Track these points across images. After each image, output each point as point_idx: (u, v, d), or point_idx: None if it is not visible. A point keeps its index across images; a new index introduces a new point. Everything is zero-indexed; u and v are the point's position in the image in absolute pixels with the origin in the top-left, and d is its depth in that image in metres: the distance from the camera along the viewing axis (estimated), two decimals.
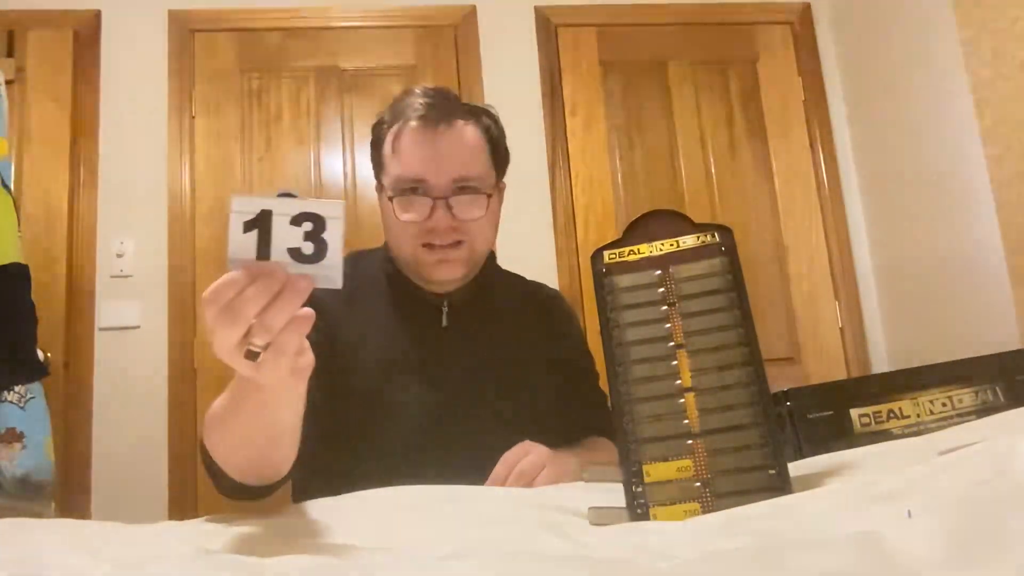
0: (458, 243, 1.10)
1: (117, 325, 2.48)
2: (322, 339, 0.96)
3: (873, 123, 2.80)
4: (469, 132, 1.12)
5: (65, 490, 2.25)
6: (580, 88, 2.85)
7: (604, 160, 2.81)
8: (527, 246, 2.70)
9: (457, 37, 2.83)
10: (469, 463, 0.96)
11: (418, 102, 1.11)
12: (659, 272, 0.78)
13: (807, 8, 3.00)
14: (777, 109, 2.92)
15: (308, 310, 0.63)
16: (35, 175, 2.53)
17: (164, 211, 2.57)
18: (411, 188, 1.09)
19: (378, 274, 1.19)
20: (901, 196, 2.66)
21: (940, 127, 2.44)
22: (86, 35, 2.65)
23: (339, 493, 0.85)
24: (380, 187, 1.16)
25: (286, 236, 0.62)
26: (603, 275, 0.79)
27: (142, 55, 2.68)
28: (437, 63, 2.81)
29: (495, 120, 1.17)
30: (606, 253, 0.80)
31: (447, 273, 1.12)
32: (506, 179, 1.21)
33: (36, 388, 1.91)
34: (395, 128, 1.11)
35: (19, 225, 2.00)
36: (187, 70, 2.69)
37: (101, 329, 2.48)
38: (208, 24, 2.74)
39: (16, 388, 1.85)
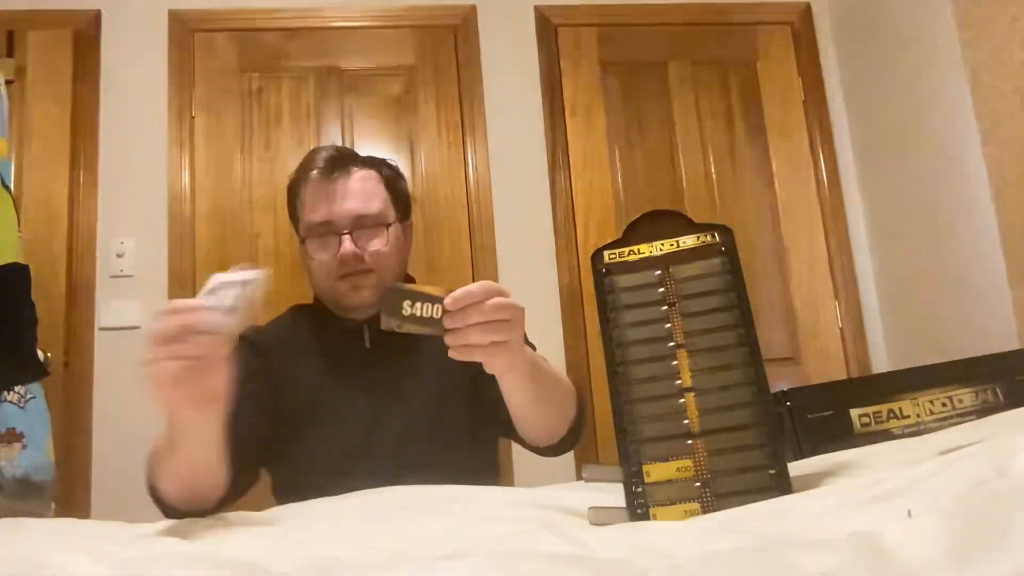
0: (368, 271, 1.22)
1: (117, 325, 2.48)
2: (262, 376, 1.19)
3: (873, 123, 2.80)
4: (363, 175, 1.26)
5: (65, 490, 2.25)
6: (580, 88, 2.85)
7: (604, 160, 2.81)
8: (527, 246, 2.70)
9: (457, 37, 2.83)
10: (395, 471, 1.05)
11: (319, 157, 1.26)
12: (659, 272, 0.78)
13: (807, 8, 3.00)
14: (777, 109, 2.92)
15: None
16: (35, 175, 2.53)
17: (164, 211, 2.57)
18: (320, 232, 1.23)
19: (310, 317, 1.32)
20: (901, 196, 2.66)
21: (940, 127, 2.44)
22: (86, 35, 2.65)
23: (289, 503, 0.94)
24: (300, 239, 1.28)
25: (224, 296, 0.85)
26: (603, 275, 0.79)
27: (142, 55, 2.68)
28: (437, 63, 2.81)
29: (393, 168, 1.33)
30: (606, 253, 0.80)
31: (361, 299, 1.23)
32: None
33: (36, 388, 1.91)
34: (301, 183, 1.26)
35: (19, 225, 2.00)
36: (187, 70, 2.69)
37: (101, 329, 2.48)
38: (208, 24, 2.74)
39: (16, 388, 1.85)
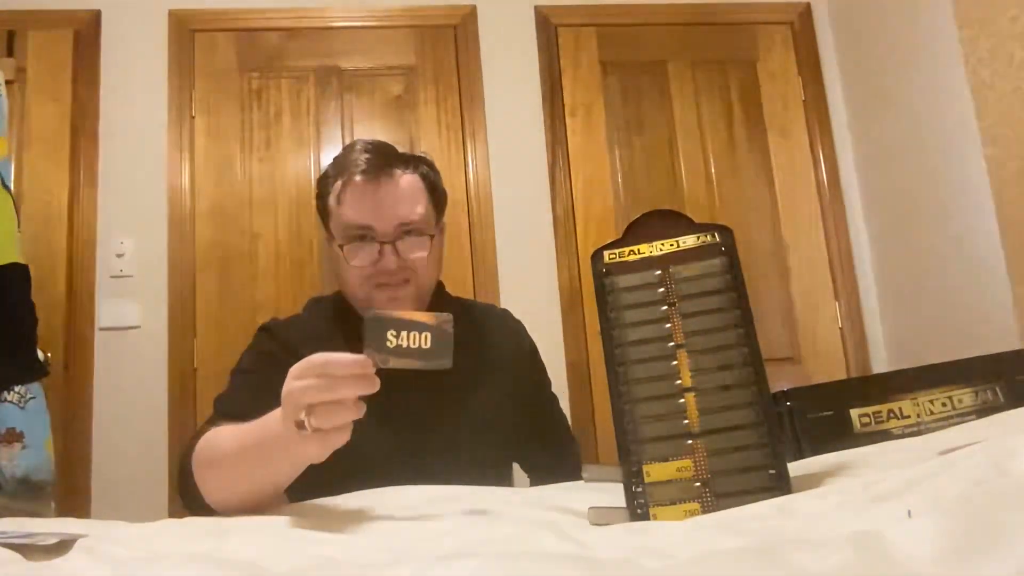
0: (406, 281, 1.18)
1: (117, 325, 2.48)
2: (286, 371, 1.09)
3: (873, 123, 2.80)
4: (408, 180, 1.21)
5: (65, 490, 2.25)
6: (580, 88, 2.85)
7: (604, 160, 2.81)
8: (527, 246, 2.70)
9: (457, 37, 2.83)
10: (418, 471, 1.03)
11: (360, 158, 1.19)
12: (659, 272, 0.78)
13: (807, 8, 3.00)
14: (777, 109, 2.92)
15: (361, 404, 0.78)
16: (35, 175, 2.53)
17: (164, 211, 2.57)
18: (359, 235, 1.17)
19: (334, 316, 1.27)
20: (901, 196, 2.66)
21: (940, 127, 2.44)
22: (86, 35, 2.65)
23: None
24: (330, 236, 1.23)
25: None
26: (603, 275, 0.79)
27: (142, 55, 2.68)
28: (437, 63, 2.81)
29: (431, 165, 1.27)
30: (606, 253, 0.80)
31: (402, 309, 1.20)
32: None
33: (36, 388, 1.91)
34: (340, 182, 1.19)
35: (19, 225, 2.00)
36: (187, 70, 2.69)
37: (101, 329, 2.48)
38: (208, 24, 2.74)
39: (16, 388, 1.85)
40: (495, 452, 1.24)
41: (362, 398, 0.78)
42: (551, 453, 1.35)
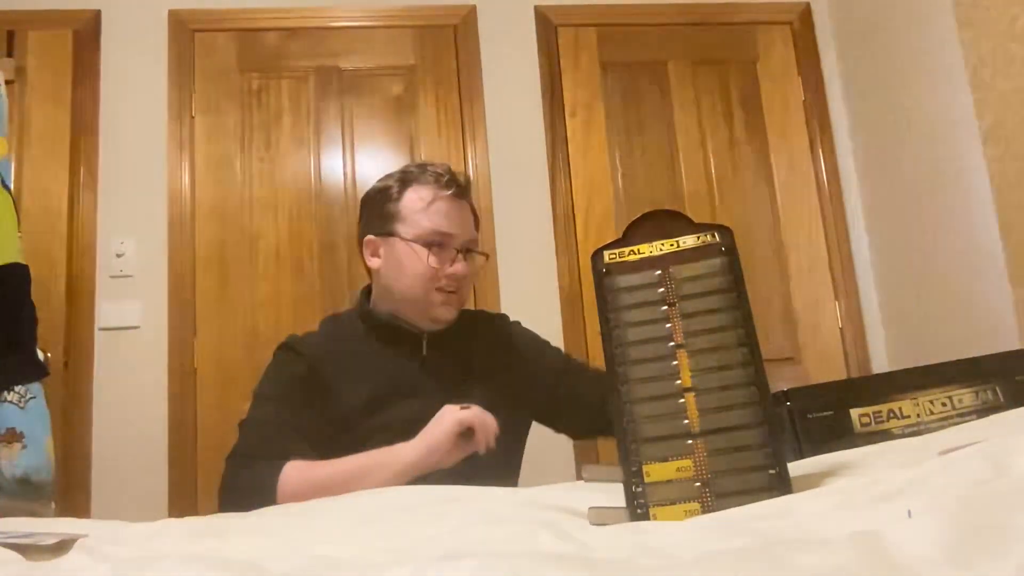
0: (456, 290, 1.36)
1: (117, 325, 2.48)
2: (314, 385, 1.30)
3: (873, 123, 2.80)
4: (471, 208, 1.42)
5: (65, 490, 2.25)
6: (580, 88, 2.85)
7: (604, 160, 2.81)
8: (527, 246, 2.70)
9: (457, 37, 2.83)
10: (449, 473, 1.16)
11: (446, 178, 1.38)
12: (659, 272, 0.78)
13: (807, 8, 3.00)
14: (777, 109, 2.92)
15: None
16: (35, 175, 2.53)
17: (164, 211, 2.57)
18: (439, 241, 1.34)
19: (357, 326, 1.41)
20: (901, 196, 2.66)
21: (940, 127, 2.44)
22: (86, 35, 2.65)
23: None
24: (390, 235, 1.37)
25: None
26: (603, 275, 0.79)
27: (142, 55, 2.68)
28: (437, 63, 2.81)
29: None
30: (606, 253, 0.80)
31: (448, 314, 1.37)
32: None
33: (36, 388, 1.90)
34: (426, 191, 1.36)
35: (19, 225, 2.00)
36: (187, 70, 2.69)
37: (101, 329, 2.48)
38: (208, 24, 2.74)
39: (16, 388, 1.84)
40: (507, 421, 1.31)
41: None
42: (592, 410, 1.41)
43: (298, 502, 1.04)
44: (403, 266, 1.35)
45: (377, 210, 1.40)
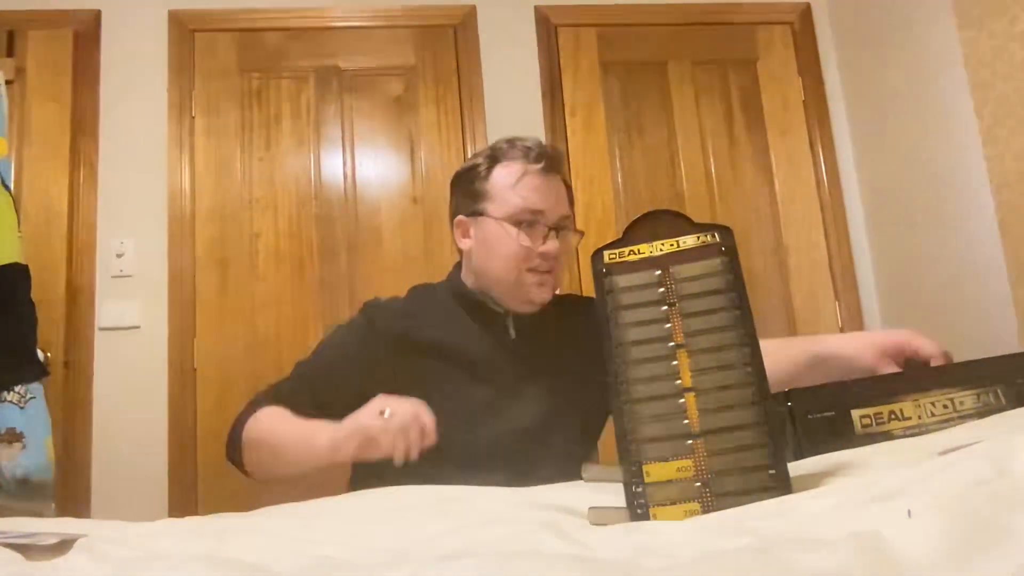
0: (550, 270, 1.30)
1: (117, 325, 2.48)
2: (378, 348, 1.29)
3: (873, 123, 2.80)
4: (563, 182, 1.36)
5: (65, 490, 2.25)
6: (580, 88, 2.85)
7: (604, 160, 2.81)
8: None
9: (457, 37, 2.83)
10: (527, 463, 1.17)
11: (533, 148, 1.32)
12: (659, 272, 0.78)
13: (807, 8, 3.00)
14: (777, 109, 2.92)
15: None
16: (35, 175, 2.53)
17: (164, 211, 2.57)
18: (530, 220, 1.29)
19: (445, 298, 1.37)
20: (901, 196, 2.66)
21: (940, 127, 2.44)
22: (86, 35, 2.65)
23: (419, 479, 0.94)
24: (480, 215, 1.32)
25: None
26: (603, 275, 0.79)
27: (142, 55, 2.67)
28: (437, 63, 2.81)
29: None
30: (606, 253, 0.80)
31: (543, 295, 1.31)
32: None
33: (36, 388, 1.91)
34: (514, 167, 1.31)
35: (19, 225, 2.00)
36: (187, 70, 2.69)
37: (101, 329, 2.47)
38: (208, 24, 2.74)
39: (16, 388, 1.85)
40: (590, 411, 1.33)
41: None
42: None
43: (252, 447, 1.21)
44: (493, 247, 1.30)
45: (466, 189, 1.35)
